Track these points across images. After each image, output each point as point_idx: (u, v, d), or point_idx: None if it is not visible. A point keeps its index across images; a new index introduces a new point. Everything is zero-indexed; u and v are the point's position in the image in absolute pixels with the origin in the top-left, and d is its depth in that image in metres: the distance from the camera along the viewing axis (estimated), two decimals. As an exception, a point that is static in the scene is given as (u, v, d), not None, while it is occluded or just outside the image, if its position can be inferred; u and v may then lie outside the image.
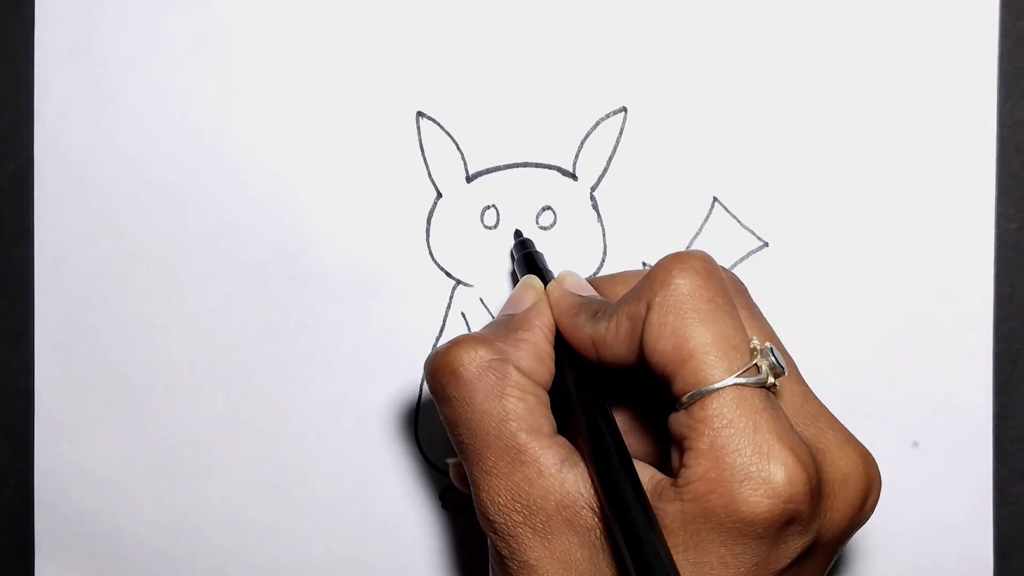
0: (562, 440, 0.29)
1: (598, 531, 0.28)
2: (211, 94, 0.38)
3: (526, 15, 0.37)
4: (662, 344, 0.27)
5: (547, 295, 0.32)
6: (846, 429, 0.29)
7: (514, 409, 0.29)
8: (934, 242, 0.37)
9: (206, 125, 0.38)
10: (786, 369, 0.28)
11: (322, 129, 0.38)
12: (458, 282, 0.38)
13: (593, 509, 0.28)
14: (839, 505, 0.28)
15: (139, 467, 0.39)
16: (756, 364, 0.27)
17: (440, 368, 0.30)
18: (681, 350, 0.27)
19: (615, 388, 0.32)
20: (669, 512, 0.26)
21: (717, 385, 0.26)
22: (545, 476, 0.28)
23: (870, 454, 0.29)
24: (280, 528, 0.39)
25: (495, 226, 0.37)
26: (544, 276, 0.34)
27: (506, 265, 0.38)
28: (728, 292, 0.28)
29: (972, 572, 0.37)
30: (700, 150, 0.37)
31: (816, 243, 0.37)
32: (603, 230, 0.37)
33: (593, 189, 0.37)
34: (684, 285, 0.28)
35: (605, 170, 0.37)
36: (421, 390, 0.38)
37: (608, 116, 0.37)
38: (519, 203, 0.37)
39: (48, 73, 0.38)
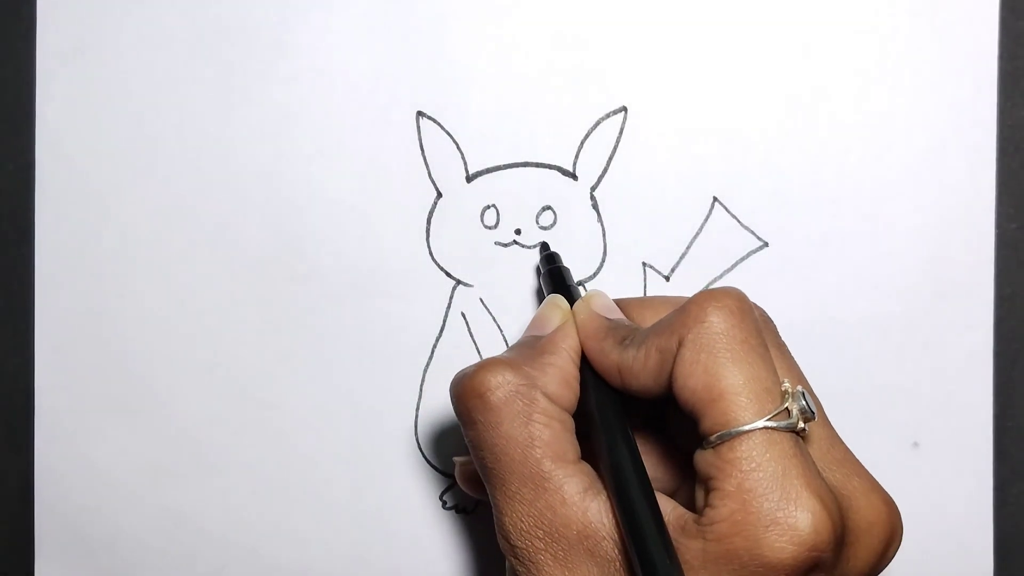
0: (586, 467, 0.29)
1: (618, 563, 0.27)
2: (211, 94, 0.38)
3: (526, 15, 0.37)
4: (693, 382, 0.27)
5: (574, 315, 0.32)
6: (871, 476, 0.29)
7: (540, 435, 0.29)
8: (934, 242, 0.37)
9: (206, 125, 0.38)
10: (815, 414, 0.28)
11: (322, 129, 0.38)
12: (458, 282, 0.38)
13: (614, 540, 0.27)
14: (862, 553, 0.28)
15: (139, 467, 0.39)
16: (787, 408, 0.27)
17: (467, 392, 0.29)
18: (712, 389, 0.27)
19: (639, 413, 0.32)
20: (691, 548, 0.26)
21: (747, 427, 0.26)
22: (568, 505, 0.28)
23: (894, 502, 0.29)
24: (280, 528, 0.39)
25: (495, 226, 0.37)
26: (571, 293, 0.33)
27: (507, 265, 0.38)
28: (761, 332, 0.28)
29: (972, 572, 0.37)
30: (700, 150, 0.37)
31: (816, 243, 0.37)
32: (603, 230, 0.37)
33: (593, 189, 0.37)
34: (718, 323, 0.27)
35: (605, 170, 0.37)
36: (421, 390, 0.38)
37: (608, 116, 0.37)
38: (519, 203, 0.37)
39: (49, 73, 0.38)
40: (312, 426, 0.38)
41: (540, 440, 0.29)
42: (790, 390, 0.27)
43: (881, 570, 0.29)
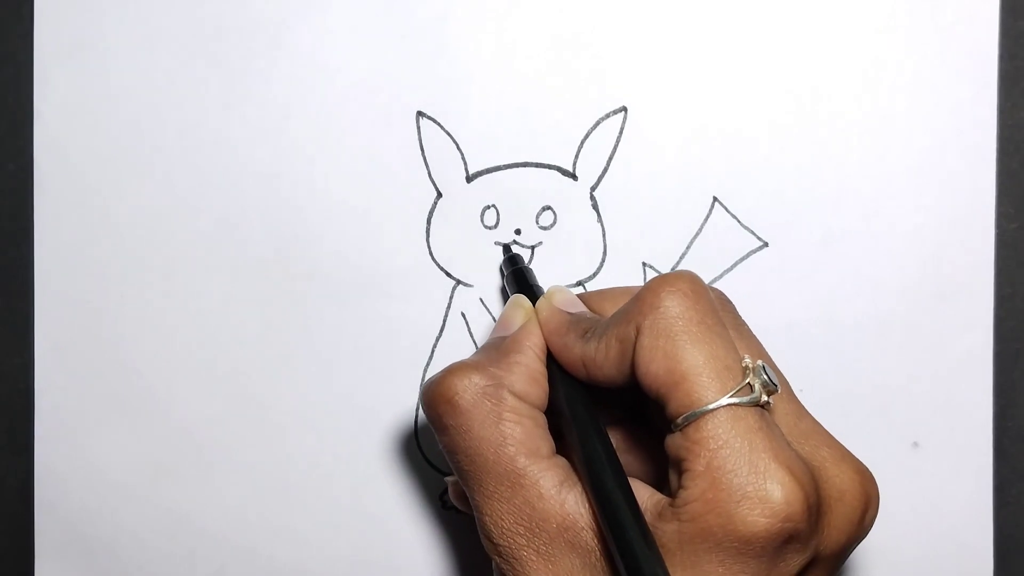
0: (561, 461, 0.29)
1: (598, 552, 0.28)
2: (211, 94, 0.38)
3: (526, 15, 0.37)
4: (654, 367, 0.27)
5: (537, 312, 0.32)
6: (841, 445, 0.29)
7: (511, 433, 0.29)
8: (934, 242, 0.37)
9: (206, 125, 0.38)
10: (779, 387, 0.28)
11: (322, 129, 0.38)
12: (458, 282, 0.38)
13: (593, 530, 0.28)
14: (837, 522, 0.28)
15: (139, 467, 0.39)
16: (749, 383, 0.27)
17: (436, 398, 0.30)
18: (674, 372, 0.27)
19: (610, 405, 0.32)
20: (667, 532, 0.27)
21: (711, 406, 0.27)
22: (545, 499, 0.28)
23: (867, 469, 0.29)
24: (280, 528, 0.39)
25: (495, 226, 0.37)
26: (534, 293, 0.34)
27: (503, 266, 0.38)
28: (717, 312, 0.28)
29: (972, 572, 0.37)
30: (700, 150, 0.37)
31: (816, 243, 0.37)
32: (603, 230, 0.37)
33: (593, 189, 0.37)
34: (673, 307, 0.28)
35: (605, 170, 0.37)
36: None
37: (608, 116, 0.37)
38: (519, 203, 0.37)
39: (48, 73, 0.38)
40: (312, 426, 0.38)
41: (512, 438, 0.29)
42: (751, 365, 0.27)
43: (860, 539, 0.29)
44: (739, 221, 0.37)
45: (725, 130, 0.37)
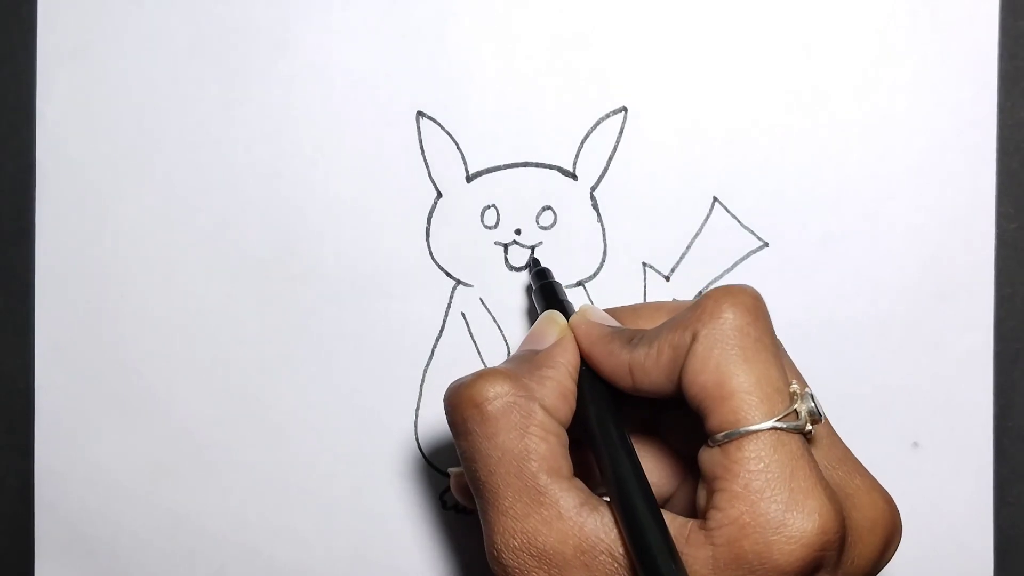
0: (580, 483, 0.29)
1: None
2: (211, 94, 0.38)
3: (526, 15, 0.37)
4: (703, 378, 0.27)
5: (574, 327, 0.31)
6: (871, 475, 0.29)
7: (536, 449, 0.28)
8: (934, 242, 0.37)
9: (206, 125, 0.38)
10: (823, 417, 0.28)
11: (322, 129, 0.38)
12: (458, 282, 0.38)
13: (611, 555, 0.27)
14: (864, 551, 0.28)
15: (139, 467, 0.39)
16: (796, 409, 0.27)
17: (464, 401, 0.29)
18: (723, 386, 0.27)
19: (633, 416, 0.32)
20: (699, 559, 0.26)
21: (756, 427, 0.26)
22: (564, 519, 0.27)
23: (894, 501, 0.29)
24: (280, 528, 0.39)
25: (495, 226, 0.37)
26: (565, 308, 0.33)
27: (507, 265, 0.38)
28: (774, 333, 0.28)
29: (972, 572, 0.37)
30: (700, 150, 0.37)
31: (816, 243, 0.37)
32: (603, 230, 0.37)
33: (593, 189, 0.37)
34: (733, 320, 0.27)
35: (605, 170, 0.37)
36: (421, 390, 0.38)
37: (608, 116, 0.37)
38: (519, 203, 0.37)
39: (49, 73, 0.38)
40: (312, 426, 0.38)
41: (536, 453, 0.28)
42: (799, 392, 0.27)
43: (881, 568, 0.29)
44: (739, 221, 0.37)
45: (725, 130, 0.37)
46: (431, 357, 0.38)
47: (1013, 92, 0.37)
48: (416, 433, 0.38)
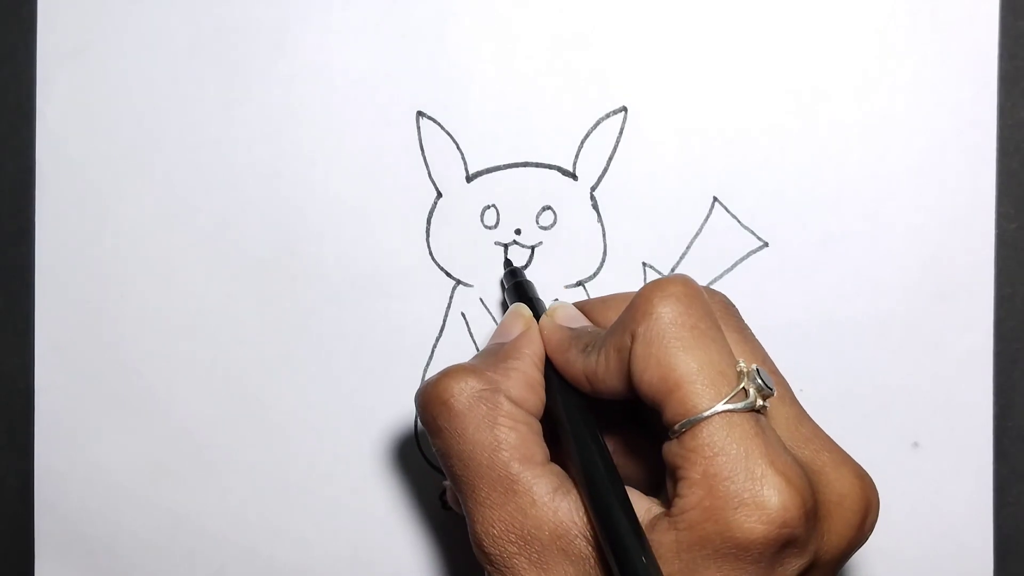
0: (555, 468, 0.29)
1: (592, 560, 0.28)
2: (211, 94, 0.38)
3: (526, 15, 0.37)
4: (648, 375, 0.27)
5: (540, 329, 0.32)
6: (842, 449, 0.29)
7: (506, 439, 0.29)
8: (934, 242, 0.37)
9: (206, 125, 0.38)
10: (775, 390, 0.28)
11: (322, 129, 0.38)
12: (458, 282, 0.38)
13: (587, 538, 0.28)
14: (837, 527, 0.28)
15: (139, 467, 0.39)
16: (744, 388, 0.27)
17: (431, 400, 0.30)
18: (668, 380, 0.27)
19: (608, 414, 0.32)
20: (664, 543, 0.27)
21: (706, 413, 0.26)
22: (538, 506, 0.28)
23: (867, 475, 0.29)
24: (280, 528, 0.39)
25: (495, 226, 0.37)
26: (534, 305, 0.34)
27: (503, 266, 0.38)
28: (712, 316, 0.28)
29: (972, 572, 0.37)
30: (700, 150, 0.37)
31: (816, 243, 0.37)
32: (603, 230, 0.37)
33: (593, 189, 0.37)
34: (666, 314, 0.28)
35: (605, 170, 0.37)
36: (421, 390, 0.38)
37: (608, 116, 0.37)
38: (519, 203, 0.37)
39: (49, 73, 0.38)
40: (312, 426, 0.38)
41: (506, 443, 0.29)
42: (745, 369, 0.27)
43: (859, 544, 0.29)
44: (739, 221, 0.37)
45: (725, 130, 0.37)
46: (431, 357, 0.38)
47: (1013, 92, 0.37)
48: (416, 433, 0.38)
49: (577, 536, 0.28)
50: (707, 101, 0.37)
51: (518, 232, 0.37)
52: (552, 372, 0.31)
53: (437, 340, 0.38)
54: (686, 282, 0.28)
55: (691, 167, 0.37)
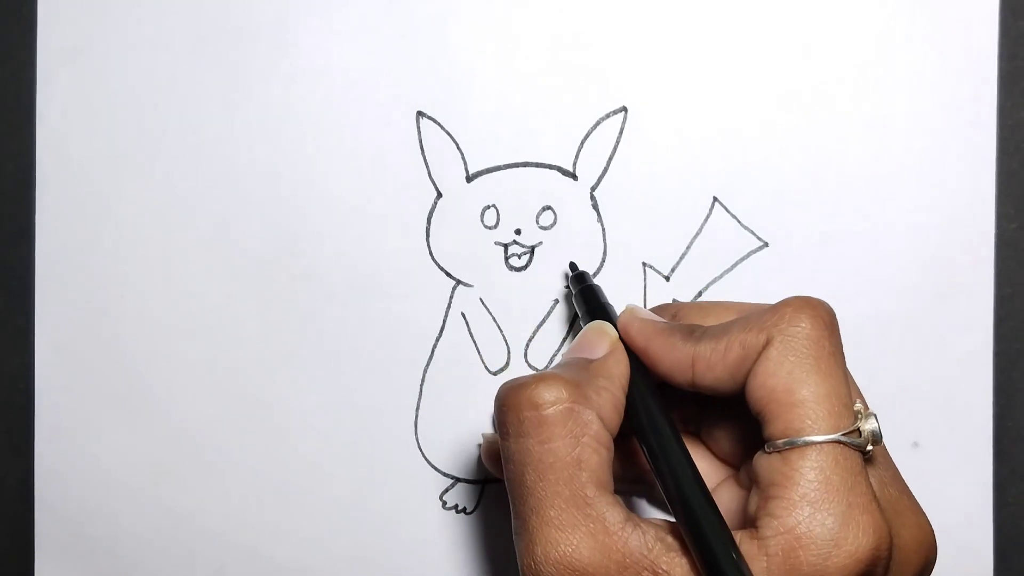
0: (621, 500, 0.28)
1: None
2: (211, 94, 0.38)
3: (526, 15, 0.37)
4: (773, 382, 0.27)
5: (625, 324, 0.31)
6: (915, 498, 0.29)
7: (588, 460, 0.28)
8: (934, 242, 0.37)
9: (206, 125, 0.38)
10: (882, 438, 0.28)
11: (322, 129, 0.38)
12: (458, 282, 0.38)
13: (655, 572, 0.27)
14: (907, 570, 0.28)
15: (139, 467, 0.39)
16: (859, 428, 0.27)
17: (523, 402, 0.28)
18: (793, 393, 0.27)
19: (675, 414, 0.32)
20: (752, 569, 0.26)
21: (821, 439, 0.26)
22: (610, 534, 0.27)
23: (930, 523, 0.29)
24: (280, 528, 0.39)
25: (495, 226, 0.37)
26: (607, 313, 0.33)
27: (503, 266, 0.38)
28: (843, 350, 0.28)
29: (972, 572, 0.37)
30: (700, 150, 0.37)
31: (816, 243, 0.37)
32: (603, 230, 0.37)
33: (593, 189, 0.37)
34: (810, 330, 0.27)
35: (605, 170, 0.37)
36: (421, 390, 0.38)
37: (608, 116, 0.37)
38: (519, 203, 0.37)
39: (49, 73, 0.38)
40: (312, 426, 0.38)
41: (588, 464, 0.28)
42: (863, 411, 0.27)
43: None
44: (739, 221, 0.37)
45: (725, 130, 0.37)
46: (431, 357, 0.38)
47: (1013, 92, 0.37)
48: (416, 433, 0.38)
49: (645, 569, 0.27)
50: (707, 101, 0.37)
51: (518, 232, 0.37)
52: (637, 392, 0.30)
53: (437, 340, 0.38)
54: (831, 310, 0.28)
55: (691, 167, 0.37)
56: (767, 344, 0.28)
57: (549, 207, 0.37)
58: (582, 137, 0.37)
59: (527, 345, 0.38)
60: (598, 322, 0.33)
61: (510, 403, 0.28)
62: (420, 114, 0.37)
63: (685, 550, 0.27)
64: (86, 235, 0.39)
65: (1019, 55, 0.37)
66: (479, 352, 0.38)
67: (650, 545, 0.27)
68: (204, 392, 0.38)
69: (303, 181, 0.38)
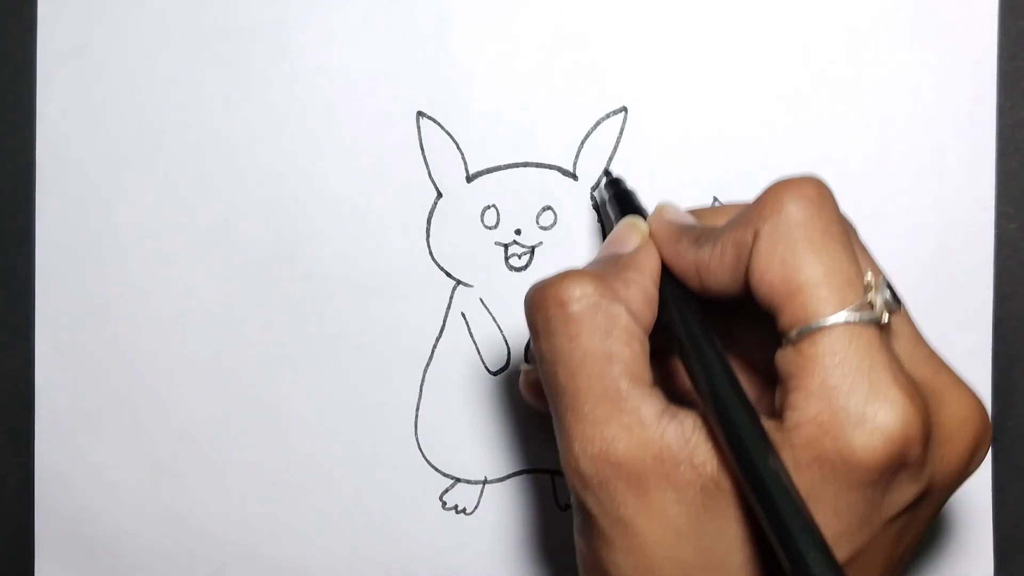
0: (660, 392, 0.27)
1: (697, 487, 0.26)
2: (211, 94, 0.38)
3: (526, 15, 0.37)
4: (770, 275, 0.26)
5: (651, 227, 0.30)
6: (957, 374, 0.28)
7: (619, 353, 0.27)
8: (934, 242, 0.37)
9: (207, 125, 0.38)
10: (901, 307, 0.26)
11: (322, 129, 0.38)
12: (458, 282, 0.38)
13: (692, 464, 0.26)
14: (952, 452, 0.26)
15: (139, 467, 0.39)
16: (870, 300, 0.25)
17: (548, 299, 0.28)
18: (790, 282, 0.25)
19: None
20: (782, 461, 0.25)
21: (829, 321, 0.25)
22: (645, 426, 0.26)
23: (982, 402, 0.28)
24: (280, 528, 0.39)
25: (495, 226, 0.37)
26: (642, 212, 0.33)
27: (504, 266, 0.38)
28: (844, 222, 0.27)
29: (972, 572, 0.37)
30: (700, 150, 0.37)
31: (816, 243, 0.37)
32: (603, 230, 0.37)
33: (593, 189, 0.37)
34: (796, 213, 0.26)
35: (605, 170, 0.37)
36: (421, 390, 0.38)
37: (608, 116, 0.37)
38: (519, 203, 0.37)
39: (49, 73, 0.38)
40: (312, 426, 0.38)
41: (619, 357, 0.27)
42: (873, 282, 0.26)
43: (969, 474, 0.27)
44: (739, 221, 0.37)
45: (725, 130, 0.37)
46: (431, 357, 0.38)
47: (1013, 92, 0.37)
48: (416, 433, 0.38)
49: (683, 462, 0.26)
50: (707, 101, 0.37)
51: (518, 232, 0.37)
52: (669, 287, 0.29)
53: (437, 340, 0.38)
54: (819, 183, 0.27)
55: (691, 167, 0.37)
56: (756, 238, 0.26)
57: (549, 207, 0.37)
58: (582, 137, 0.37)
59: (527, 345, 0.38)
60: (630, 217, 0.32)
61: (537, 302, 0.28)
62: (420, 114, 0.37)
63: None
64: (86, 235, 0.39)
65: (1019, 55, 0.37)
66: (479, 352, 0.38)
67: (687, 436, 0.26)
68: (204, 392, 0.38)
69: (303, 181, 0.38)
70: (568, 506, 0.38)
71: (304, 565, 0.39)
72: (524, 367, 0.33)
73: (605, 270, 0.29)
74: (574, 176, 0.37)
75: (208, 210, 0.38)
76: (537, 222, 0.37)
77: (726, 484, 0.26)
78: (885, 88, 0.37)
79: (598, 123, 0.37)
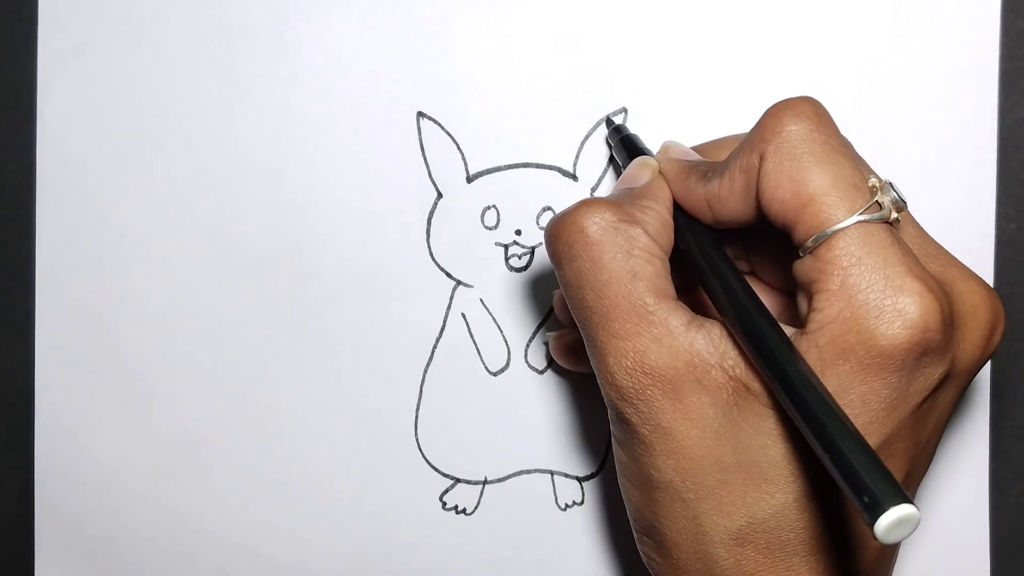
0: (685, 305, 0.29)
1: (728, 390, 0.28)
2: (211, 94, 0.38)
3: (527, 15, 0.37)
4: (780, 192, 0.27)
5: (660, 164, 0.32)
6: (966, 266, 0.29)
7: (642, 270, 0.28)
8: (934, 242, 0.37)
9: (207, 125, 0.38)
10: (906, 204, 0.28)
11: (322, 129, 0.38)
12: (458, 282, 0.38)
13: (723, 368, 0.28)
14: (971, 336, 0.28)
15: (139, 467, 0.39)
16: (878, 201, 0.27)
17: (566, 227, 0.29)
18: (801, 195, 0.27)
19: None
20: (807, 361, 0.26)
21: (842, 225, 0.26)
22: (674, 336, 0.28)
23: (992, 289, 0.29)
24: (280, 528, 0.39)
25: (495, 226, 0.37)
26: (649, 155, 0.34)
27: (504, 266, 0.38)
28: (840, 133, 0.28)
29: (970, 572, 0.37)
30: (700, 150, 0.37)
31: (816, 243, 0.37)
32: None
33: (593, 190, 0.37)
34: (796, 130, 0.28)
35: (605, 170, 0.37)
36: (421, 390, 0.38)
37: (608, 116, 0.37)
38: (519, 203, 0.37)
39: (50, 73, 0.38)
40: (312, 426, 0.38)
41: (642, 274, 0.28)
42: (878, 184, 0.27)
43: (988, 356, 0.29)
44: (739, 221, 0.37)
45: (725, 130, 0.37)
46: (431, 357, 0.38)
47: (1013, 92, 0.37)
48: (416, 433, 0.38)
49: (714, 366, 0.28)
50: (708, 101, 0.37)
51: (518, 233, 0.37)
52: (682, 215, 0.31)
53: (437, 340, 0.38)
54: (814, 101, 0.28)
55: (691, 167, 0.37)
56: (762, 160, 0.28)
57: (549, 208, 0.37)
58: (582, 137, 0.37)
59: (527, 345, 0.38)
60: (641, 157, 0.33)
61: (557, 232, 0.29)
62: (420, 114, 0.37)
63: None
64: (86, 235, 0.39)
65: (1019, 55, 0.37)
66: (479, 352, 0.38)
67: (716, 343, 0.28)
68: (204, 392, 0.38)
69: (303, 181, 0.38)
70: (568, 506, 0.38)
71: (304, 565, 0.39)
72: (551, 335, 0.34)
73: (621, 199, 0.30)
74: (574, 176, 0.37)
75: (208, 210, 0.38)
76: (537, 222, 0.37)
77: (756, 385, 0.27)
78: (885, 88, 0.37)
79: (598, 123, 0.37)
